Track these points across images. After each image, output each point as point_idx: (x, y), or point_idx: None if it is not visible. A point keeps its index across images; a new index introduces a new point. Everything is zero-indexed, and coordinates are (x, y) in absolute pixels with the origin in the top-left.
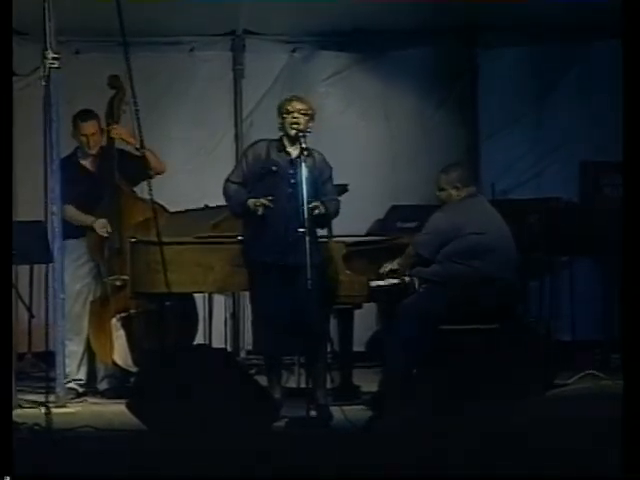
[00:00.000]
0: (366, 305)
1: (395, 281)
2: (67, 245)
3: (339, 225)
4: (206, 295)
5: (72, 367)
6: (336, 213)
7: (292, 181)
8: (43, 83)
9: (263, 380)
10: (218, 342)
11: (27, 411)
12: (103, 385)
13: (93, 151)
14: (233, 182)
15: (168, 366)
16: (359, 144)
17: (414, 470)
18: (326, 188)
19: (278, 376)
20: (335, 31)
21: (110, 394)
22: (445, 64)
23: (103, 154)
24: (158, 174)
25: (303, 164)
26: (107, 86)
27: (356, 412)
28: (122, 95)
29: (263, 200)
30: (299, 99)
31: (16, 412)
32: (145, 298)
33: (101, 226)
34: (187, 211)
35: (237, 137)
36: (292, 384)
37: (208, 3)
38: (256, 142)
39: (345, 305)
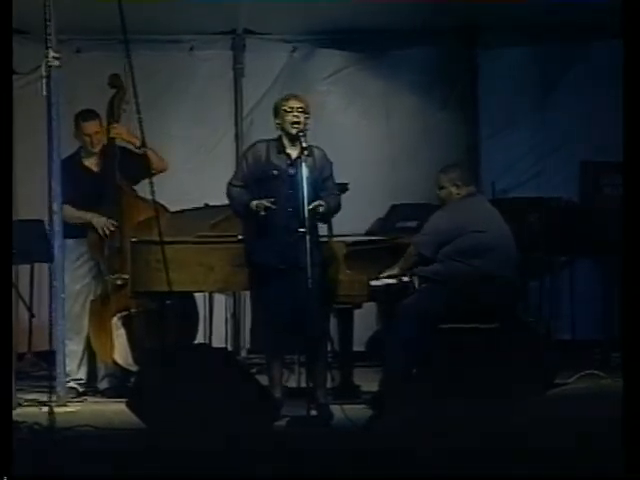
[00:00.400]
0: (366, 305)
1: (394, 281)
2: (67, 245)
3: (339, 225)
4: (207, 294)
5: (72, 366)
6: (337, 208)
7: (293, 182)
8: (44, 82)
9: (264, 379)
10: (218, 341)
11: (27, 410)
12: (103, 384)
13: (96, 150)
14: (235, 185)
15: (168, 365)
16: (360, 143)
17: (414, 470)
18: (327, 184)
19: (279, 375)
20: (335, 30)
21: (110, 393)
22: (445, 64)
23: (105, 153)
24: (160, 172)
25: (303, 164)
26: (107, 85)
27: (357, 411)
28: (122, 94)
29: (265, 202)
30: (296, 97)
31: (16, 411)
32: (146, 297)
33: (101, 224)
34: (187, 211)
35: (237, 136)
36: (292, 383)
37: (208, 2)
38: (255, 143)
39: (345, 305)
